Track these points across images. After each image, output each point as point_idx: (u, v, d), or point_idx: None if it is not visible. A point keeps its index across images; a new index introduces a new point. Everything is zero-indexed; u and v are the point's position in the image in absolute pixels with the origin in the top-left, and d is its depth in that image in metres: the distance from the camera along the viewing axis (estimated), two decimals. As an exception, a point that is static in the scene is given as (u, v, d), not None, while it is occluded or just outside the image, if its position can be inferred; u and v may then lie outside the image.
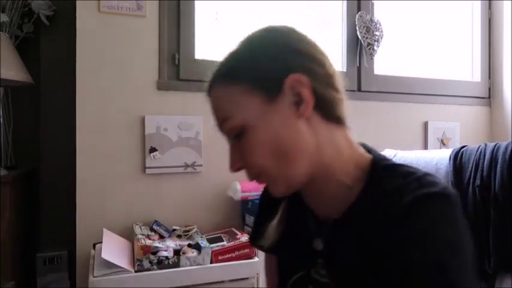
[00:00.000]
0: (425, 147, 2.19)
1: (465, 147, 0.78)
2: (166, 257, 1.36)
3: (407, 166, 0.60)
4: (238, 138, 0.59)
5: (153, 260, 1.34)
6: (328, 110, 0.60)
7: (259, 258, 1.52)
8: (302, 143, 0.58)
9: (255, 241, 0.76)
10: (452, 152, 0.80)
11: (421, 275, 0.48)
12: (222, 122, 0.60)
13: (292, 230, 0.67)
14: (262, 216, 0.75)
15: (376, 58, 2.09)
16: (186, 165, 1.70)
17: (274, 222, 0.68)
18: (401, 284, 0.49)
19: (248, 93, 0.57)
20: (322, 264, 0.62)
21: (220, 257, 1.44)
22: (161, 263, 1.35)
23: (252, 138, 0.58)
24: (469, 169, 0.74)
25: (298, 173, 0.59)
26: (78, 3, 1.56)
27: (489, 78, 2.38)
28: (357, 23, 2.03)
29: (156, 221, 1.58)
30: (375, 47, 2.06)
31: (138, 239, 1.41)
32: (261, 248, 0.74)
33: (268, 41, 0.60)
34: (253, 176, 0.61)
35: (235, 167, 0.62)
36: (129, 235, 1.55)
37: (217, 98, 0.61)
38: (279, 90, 0.57)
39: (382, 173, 0.59)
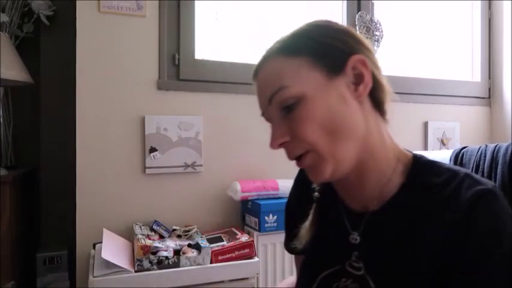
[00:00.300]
0: (425, 147, 2.19)
1: (466, 148, 0.78)
2: (166, 257, 1.36)
3: (448, 164, 0.62)
4: (289, 110, 0.58)
5: (153, 260, 1.34)
6: (379, 99, 0.62)
7: (259, 259, 1.52)
8: (354, 124, 0.58)
9: (288, 245, 0.76)
10: (453, 153, 0.80)
11: (502, 268, 0.51)
12: (277, 92, 0.58)
13: (325, 229, 0.67)
14: (292, 220, 0.74)
15: (376, 58, 2.09)
16: (186, 165, 1.70)
17: (307, 224, 0.68)
18: (485, 279, 0.51)
19: (310, 67, 0.58)
20: (357, 257, 0.62)
21: (220, 257, 1.44)
22: (161, 263, 1.35)
23: (306, 110, 0.57)
24: (470, 170, 0.74)
25: (347, 154, 0.58)
26: (78, 3, 1.56)
27: (489, 78, 2.38)
28: (356, 23, 2.03)
29: (156, 221, 1.58)
30: (375, 47, 2.07)
31: (138, 239, 1.41)
32: (294, 250, 0.73)
33: (332, 26, 0.62)
34: (299, 152, 0.59)
35: (278, 142, 0.60)
36: (129, 235, 1.55)
37: (273, 70, 0.60)
38: (341, 69, 0.58)
39: (426, 168, 0.61)
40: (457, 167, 0.60)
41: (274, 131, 0.60)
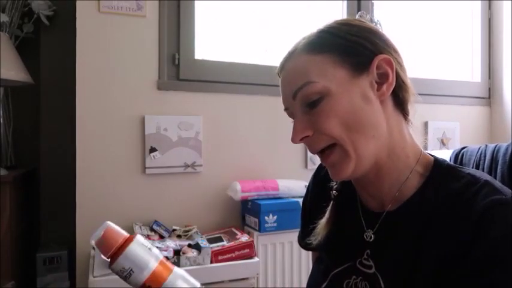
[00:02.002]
0: (425, 147, 2.19)
1: (466, 148, 0.78)
2: (166, 257, 1.36)
3: (472, 169, 0.61)
4: (313, 106, 0.58)
5: (153, 260, 1.34)
6: (402, 98, 0.62)
7: (259, 259, 1.52)
8: (376, 122, 0.59)
9: (302, 240, 0.76)
10: (453, 153, 0.79)
11: (508, 274, 0.49)
12: (302, 87, 0.59)
13: (341, 227, 0.67)
14: (308, 216, 0.75)
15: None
16: (186, 165, 1.70)
17: (323, 220, 0.68)
18: (490, 284, 0.50)
19: (336, 64, 0.58)
20: (369, 255, 0.62)
21: (220, 257, 1.44)
22: (161, 263, 1.35)
23: (330, 104, 0.58)
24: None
25: (368, 152, 0.58)
26: (78, 3, 1.56)
27: (489, 78, 2.38)
28: (357, 23, 2.03)
29: (156, 221, 1.58)
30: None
31: (138, 239, 1.40)
32: (308, 246, 0.73)
33: (361, 25, 0.62)
34: (324, 144, 0.59)
35: (299, 136, 0.60)
36: (129, 235, 1.55)
37: (299, 66, 0.60)
38: (366, 67, 0.59)
39: (447, 173, 0.60)
40: (480, 173, 0.59)
41: (296, 125, 0.61)
